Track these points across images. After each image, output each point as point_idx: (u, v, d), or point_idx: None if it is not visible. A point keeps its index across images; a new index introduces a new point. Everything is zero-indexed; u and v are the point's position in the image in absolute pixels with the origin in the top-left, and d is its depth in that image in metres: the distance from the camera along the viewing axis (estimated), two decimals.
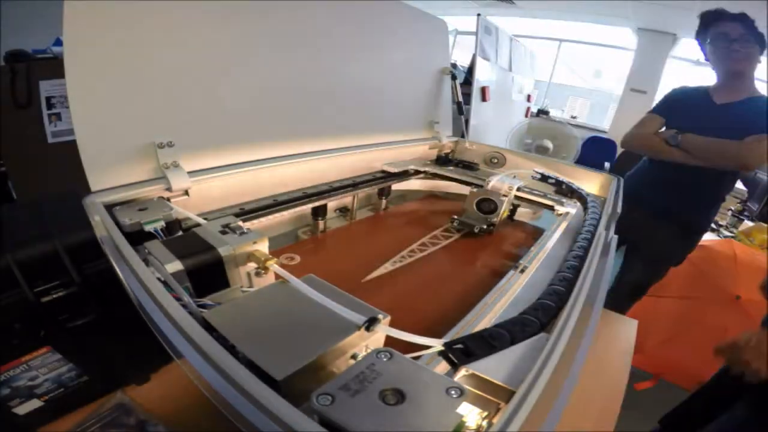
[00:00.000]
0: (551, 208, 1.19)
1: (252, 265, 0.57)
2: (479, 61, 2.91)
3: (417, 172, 1.40)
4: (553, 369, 0.37)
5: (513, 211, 1.31)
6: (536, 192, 1.24)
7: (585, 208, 1.05)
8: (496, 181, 1.20)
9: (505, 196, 1.16)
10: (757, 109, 1.35)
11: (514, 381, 0.38)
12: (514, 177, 1.27)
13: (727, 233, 2.41)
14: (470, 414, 0.36)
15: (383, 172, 1.32)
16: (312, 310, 0.43)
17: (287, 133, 1.03)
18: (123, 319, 0.52)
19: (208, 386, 0.31)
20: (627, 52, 4.99)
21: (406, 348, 0.39)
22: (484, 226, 1.14)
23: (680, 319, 1.73)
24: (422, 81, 1.51)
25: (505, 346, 0.43)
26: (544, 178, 1.28)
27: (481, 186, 1.22)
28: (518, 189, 1.22)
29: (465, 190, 1.27)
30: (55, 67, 1.59)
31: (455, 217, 1.18)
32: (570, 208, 1.13)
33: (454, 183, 1.39)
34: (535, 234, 1.25)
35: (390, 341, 0.41)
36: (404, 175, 1.36)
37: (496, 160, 1.53)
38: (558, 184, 1.25)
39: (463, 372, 0.40)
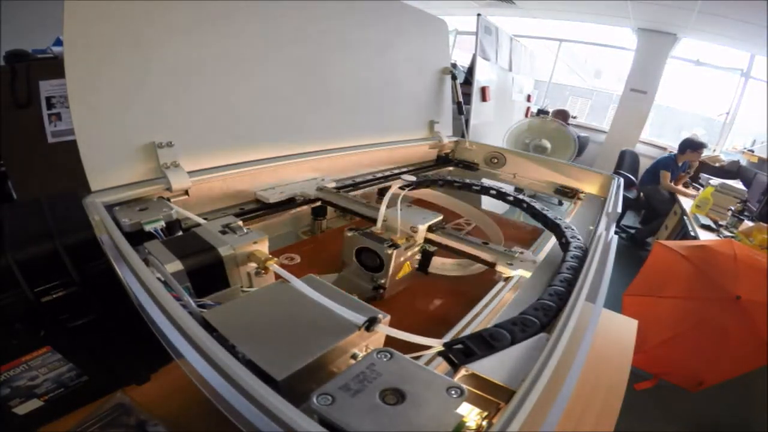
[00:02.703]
0: (491, 264, 0.75)
1: (252, 265, 0.57)
2: (479, 61, 2.91)
3: (306, 201, 0.99)
4: (553, 369, 0.37)
5: (425, 262, 0.82)
6: (465, 238, 0.80)
7: (563, 244, 0.74)
8: (392, 218, 0.78)
9: (393, 247, 0.72)
10: None
11: (514, 381, 0.38)
12: (406, 205, 0.83)
13: (727, 233, 2.40)
14: (470, 414, 0.36)
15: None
16: (312, 310, 0.43)
17: (287, 133, 1.03)
18: (123, 319, 0.53)
19: (208, 386, 0.31)
20: (627, 52, 4.99)
21: (406, 348, 0.39)
22: (370, 287, 0.76)
23: (680, 319, 1.72)
24: (422, 81, 1.51)
25: (505, 346, 0.43)
26: (501, 196, 0.91)
27: (370, 219, 0.82)
28: (431, 229, 0.81)
29: (462, 193, 1.05)
30: (55, 67, 1.59)
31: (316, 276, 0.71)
32: (520, 270, 0.71)
33: (347, 213, 0.99)
34: (535, 233, 1.25)
35: (390, 341, 0.41)
36: (287, 203, 0.96)
37: (496, 160, 1.53)
38: (529, 209, 0.88)
39: (463, 372, 0.40)
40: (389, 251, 0.72)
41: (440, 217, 0.83)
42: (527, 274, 0.70)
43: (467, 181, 1.02)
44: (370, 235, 0.76)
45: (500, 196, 0.94)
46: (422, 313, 0.78)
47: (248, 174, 0.92)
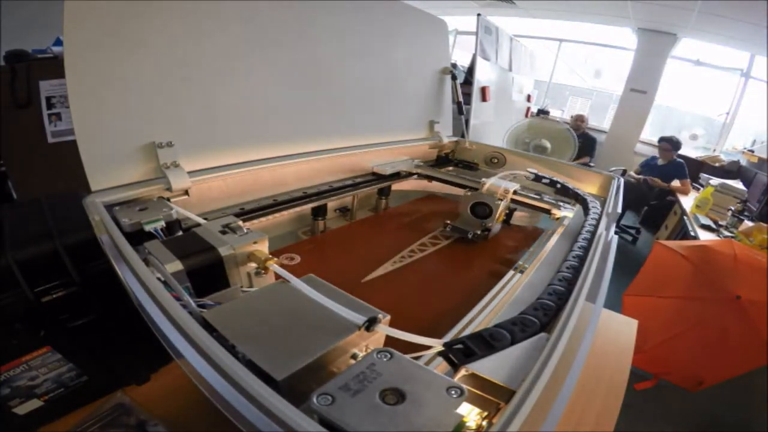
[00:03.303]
0: (548, 211, 1.16)
1: (252, 265, 0.57)
2: (479, 61, 2.91)
3: (409, 174, 1.35)
4: (553, 369, 0.37)
5: (509, 215, 1.24)
6: (532, 196, 1.20)
7: (585, 209, 1.03)
8: (491, 183, 1.13)
9: (500, 199, 1.09)
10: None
11: (514, 381, 0.38)
12: (514, 178, 1.23)
13: (727, 233, 2.40)
14: (470, 414, 0.36)
15: (373, 174, 1.26)
16: (312, 310, 0.43)
17: (287, 133, 1.03)
18: (123, 319, 0.53)
19: (208, 386, 0.31)
20: (627, 52, 4.99)
21: (406, 348, 0.39)
22: (478, 232, 1.07)
23: (680, 319, 1.72)
24: (422, 81, 1.51)
25: (505, 346, 0.43)
26: (538, 179, 1.23)
27: (476, 189, 1.15)
28: (515, 192, 1.16)
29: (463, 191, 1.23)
30: (55, 67, 1.59)
31: (448, 222, 1.11)
32: (567, 212, 1.11)
33: (450, 185, 1.34)
34: (535, 235, 1.25)
35: (390, 341, 0.41)
36: (395, 177, 1.31)
37: (496, 160, 1.53)
38: (553, 184, 1.21)
39: (463, 372, 0.40)
40: (498, 202, 1.09)
41: (518, 185, 1.18)
42: (570, 215, 1.09)
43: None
44: (479, 195, 1.11)
45: (537, 179, 1.24)
46: (422, 313, 0.78)
47: (248, 174, 0.92)
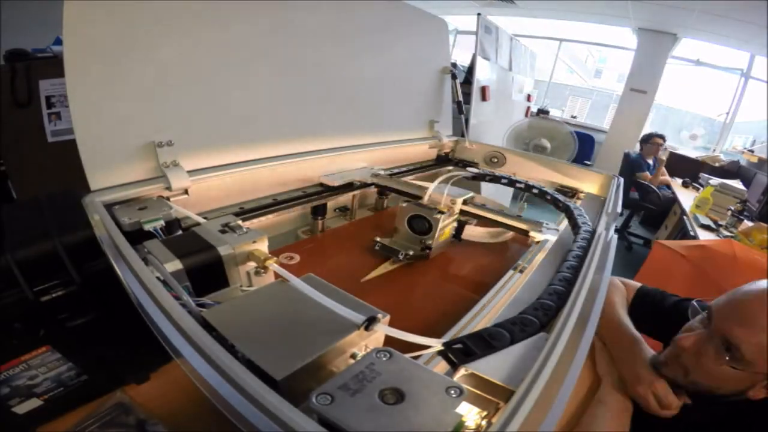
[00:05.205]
0: (524, 233, 0.95)
1: (252, 265, 0.57)
2: (479, 60, 2.90)
3: (363, 185, 1.17)
4: (552, 369, 0.37)
5: (459, 230, 1.04)
6: (492, 209, 1.02)
7: (574, 227, 0.85)
8: (432, 191, 0.96)
9: (440, 213, 0.90)
10: None
11: (513, 381, 0.38)
12: (456, 180, 1.02)
13: (726, 233, 2.40)
14: (470, 413, 0.36)
15: (321, 185, 1.08)
16: (311, 310, 0.43)
17: (287, 132, 1.03)
18: (122, 318, 0.52)
19: (207, 385, 0.31)
20: (627, 52, 4.99)
21: (406, 347, 0.39)
22: (411, 252, 0.90)
23: None
24: (422, 80, 1.51)
25: (504, 345, 0.43)
26: (511, 183, 1.05)
27: (418, 196, 0.98)
28: (465, 202, 0.99)
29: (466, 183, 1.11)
30: (55, 66, 1.59)
31: (378, 240, 0.94)
32: (549, 235, 0.90)
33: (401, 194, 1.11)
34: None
35: (389, 341, 0.41)
36: (348, 188, 1.13)
37: (496, 160, 1.53)
38: (542, 195, 1.02)
39: (462, 372, 0.40)
40: (437, 216, 0.90)
41: (471, 194, 1.01)
42: (553, 239, 0.87)
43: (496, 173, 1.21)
44: (420, 205, 0.93)
45: (527, 188, 1.09)
46: (422, 313, 0.78)
47: (248, 173, 0.92)
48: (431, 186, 0.97)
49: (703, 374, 0.61)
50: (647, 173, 3.48)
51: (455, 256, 1.03)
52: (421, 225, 0.92)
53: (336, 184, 1.07)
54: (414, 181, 1.15)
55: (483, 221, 1.03)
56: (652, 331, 0.83)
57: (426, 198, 0.96)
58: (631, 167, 3.55)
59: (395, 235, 0.97)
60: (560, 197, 1.00)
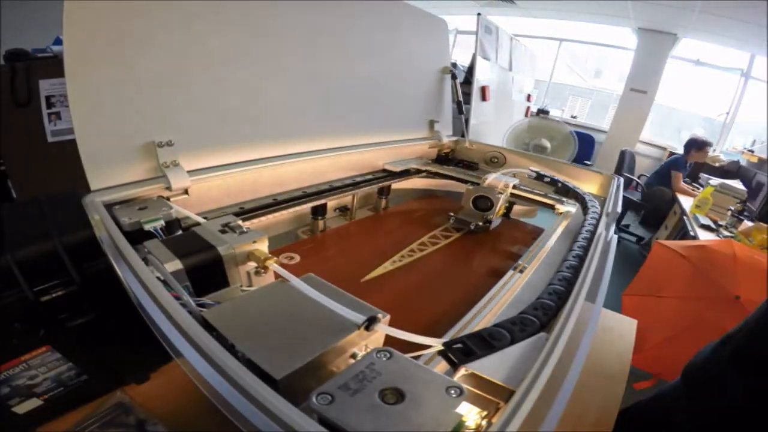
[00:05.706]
0: (551, 206, 1.21)
1: (252, 265, 0.57)
2: (479, 60, 2.91)
3: (418, 171, 1.41)
4: (552, 369, 0.37)
5: (509, 209, 1.33)
6: (534, 191, 1.27)
7: (584, 208, 1.05)
8: (492, 179, 1.22)
9: (500, 193, 1.17)
10: None
11: (513, 380, 0.38)
12: (514, 175, 1.28)
13: (726, 233, 2.40)
14: (470, 413, 0.36)
15: (384, 171, 1.32)
16: (311, 310, 0.43)
17: (287, 132, 1.03)
18: (122, 318, 0.52)
19: (207, 385, 0.31)
20: (627, 52, 4.99)
21: (406, 347, 0.39)
22: (480, 223, 1.15)
23: (680, 319, 1.72)
24: (422, 80, 1.51)
25: (504, 345, 0.43)
26: (539, 177, 1.28)
27: (478, 183, 1.24)
28: (514, 187, 1.24)
29: (464, 188, 1.27)
30: (54, 66, 1.59)
31: (452, 214, 1.18)
32: (570, 207, 1.15)
33: (453, 181, 1.41)
34: (534, 233, 1.25)
35: (389, 341, 0.41)
36: (405, 174, 1.37)
37: (496, 160, 1.53)
38: (554, 183, 1.26)
39: (462, 371, 0.40)
40: (498, 195, 1.16)
41: (517, 180, 1.25)
42: (573, 209, 1.14)
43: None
44: (481, 189, 1.19)
45: (539, 177, 1.29)
46: (422, 313, 0.78)
47: (248, 173, 0.92)
48: (493, 175, 1.24)
49: None
50: (681, 174, 3.45)
51: (457, 254, 1.06)
52: (484, 203, 1.18)
53: (398, 170, 1.32)
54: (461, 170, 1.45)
55: (521, 201, 1.33)
56: None
57: (486, 183, 1.20)
58: (671, 164, 3.56)
59: (460, 212, 1.20)
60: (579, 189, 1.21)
